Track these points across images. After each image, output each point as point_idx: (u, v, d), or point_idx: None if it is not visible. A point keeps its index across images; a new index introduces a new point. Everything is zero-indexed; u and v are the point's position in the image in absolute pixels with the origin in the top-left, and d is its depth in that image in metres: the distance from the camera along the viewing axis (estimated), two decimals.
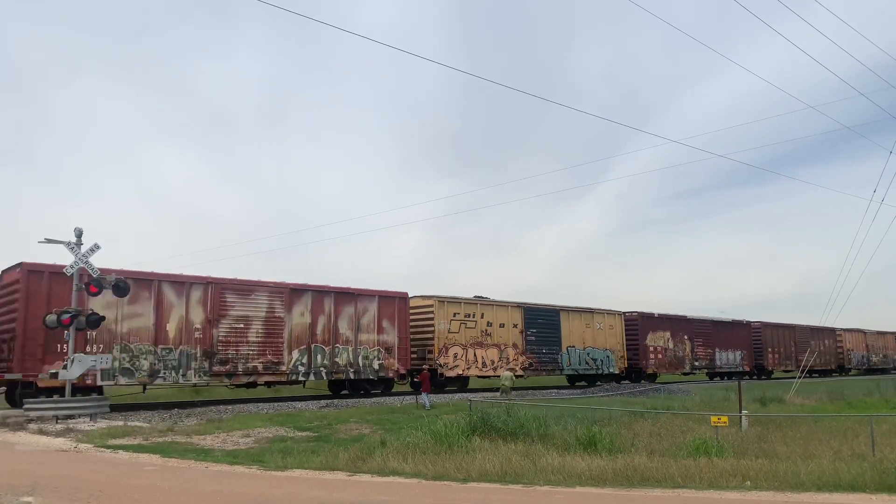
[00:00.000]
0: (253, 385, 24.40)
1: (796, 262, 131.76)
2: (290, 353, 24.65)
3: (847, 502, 8.82)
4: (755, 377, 47.17)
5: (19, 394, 19.98)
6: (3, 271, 21.64)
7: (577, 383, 37.30)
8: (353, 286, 27.04)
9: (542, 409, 17.09)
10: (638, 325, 39.59)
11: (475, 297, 32.11)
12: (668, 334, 41.38)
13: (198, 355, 22.48)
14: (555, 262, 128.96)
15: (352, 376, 26.65)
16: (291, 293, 24.98)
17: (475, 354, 30.90)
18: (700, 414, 17.66)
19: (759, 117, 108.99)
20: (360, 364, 26.56)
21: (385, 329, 27.42)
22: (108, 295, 19.86)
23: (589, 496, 9.35)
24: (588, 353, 36.28)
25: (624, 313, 39.52)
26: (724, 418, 14.22)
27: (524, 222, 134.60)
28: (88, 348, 20.10)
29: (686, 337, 42.70)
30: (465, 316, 30.91)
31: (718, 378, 44.92)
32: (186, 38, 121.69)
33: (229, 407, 21.92)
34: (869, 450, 12.46)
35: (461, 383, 31.25)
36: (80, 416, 17.81)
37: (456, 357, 30.07)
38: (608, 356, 37.38)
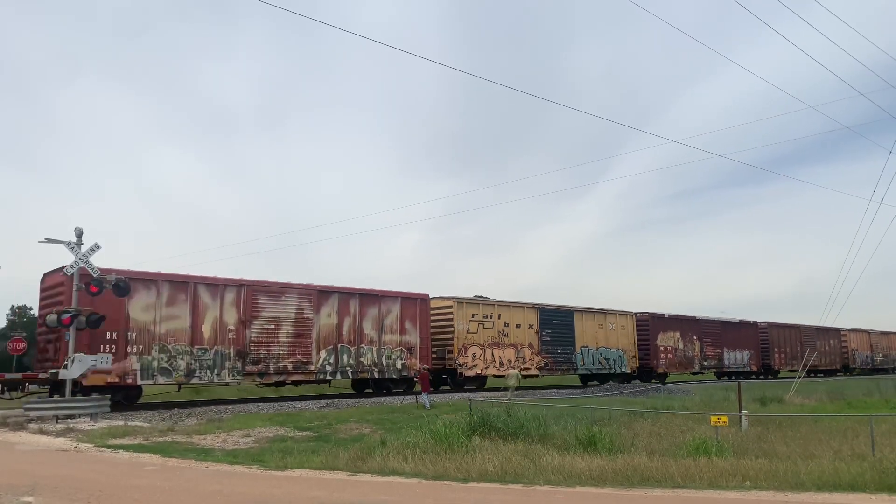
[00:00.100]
0: (282, 384, 25.03)
1: (796, 262, 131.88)
2: (318, 352, 25.35)
3: (847, 502, 8.82)
4: (762, 377, 47.51)
5: (63, 392, 19.98)
6: (44, 274, 22.29)
7: (588, 383, 37.67)
8: (376, 288, 27.92)
9: (542, 409, 17.09)
10: (649, 326, 40.14)
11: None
12: (677, 334, 41.97)
13: (231, 355, 23.20)
14: (555, 262, 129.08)
15: (376, 375, 27.33)
16: (319, 295, 25.68)
17: (493, 354, 31.59)
18: (700, 414, 17.66)
19: (759, 117, 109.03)
20: (384, 364, 27.30)
21: (407, 330, 28.17)
22: (147, 298, 21.27)
23: (589, 496, 9.35)
24: (601, 353, 36.97)
25: (635, 314, 40.03)
26: (724, 418, 14.21)
27: (524, 222, 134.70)
28: (129, 348, 21.01)
29: (695, 337, 43.25)
30: (483, 317, 31.63)
31: (726, 378, 45.36)
32: (186, 38, 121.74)
33: (229, 407, 21.93)
34: (869, 450, 12.46)
35: (479, 382, 31.76)
36: (80, 415, 17.83)
37: (475, 357, 30.81)
38: (620, 356, 38.04)
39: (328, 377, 25.73)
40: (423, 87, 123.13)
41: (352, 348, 26.32)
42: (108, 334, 20.61)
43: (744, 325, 47.58)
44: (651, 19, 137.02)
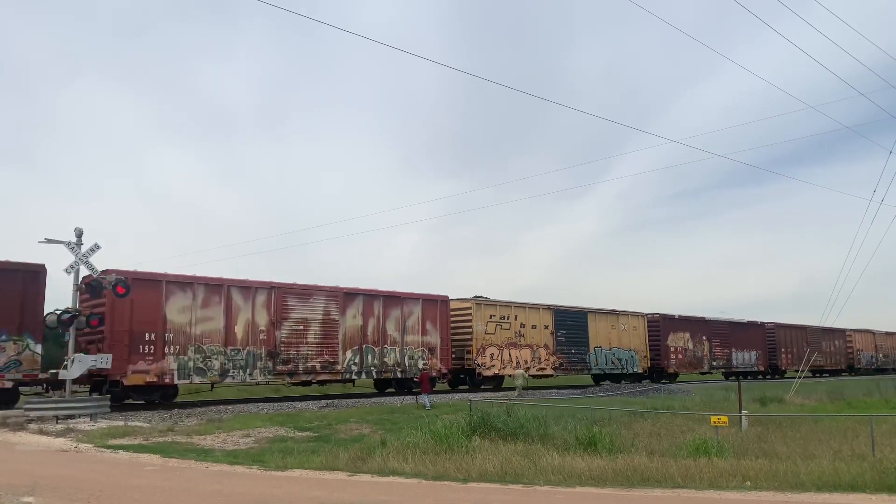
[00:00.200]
0: (308, 383, 25.62)
1: (796, 262, 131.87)
2: (344, 353, 26.03)
3: (847, 502, 8.82)
4: (769, 377, 47.97)
5: (106, 390, 21.01)
6: (84, 277, 22.32)
7: (600, 382, 38.15)
8: (398, 290, 28.59)
9: (542, 409, 17.09)
10: (659, 326, 40.78)
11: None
12: (687, 335, 42.60)
13: (262, 355, 23.85)
14: (554, 262, 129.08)
15: (399, 375, 27.96)
16: (345, 297, 26.35)
17: (510, 354, 32.22)
18: (700, 414, 17.66)
19: (758, 117, 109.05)
20: (407, 364, 27.98)
21: (428, 331, 28.89)
22: (183, 300, 22.08)
23: (589, 496, 9.35)
24: (614, 354, 37.59)
25: (647, 315, 40.63)
26: (724, 418, 14.21)
27: (524, 222, 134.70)
28: (166, 349, 21.64)
29: (704, 337, 43.85)
30: (501, 318, 32.22)
31: (734, 377, 45.67)
32: (186, 38, 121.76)
33: (229, 407, 21.93)
34: (869, 450, 12.46)
35: (497, 382, 32.37)
36: (80, 416, 17.81)
37: (492, 357, 31.41)
38: (632, 356, 38.65)
39: (353, 377, 26.43)
40: (423, 87, 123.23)
41: (376, 349, 27.05)
42: (147, 335, 21.31)
43: (751, 325, 48.23)
44: (651, 19, 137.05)
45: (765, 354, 48.43)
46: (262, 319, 23.91)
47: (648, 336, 40.02)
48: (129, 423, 17.21)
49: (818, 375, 51.99)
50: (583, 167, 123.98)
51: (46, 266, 21.07)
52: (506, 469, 10.94)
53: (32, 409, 17.38)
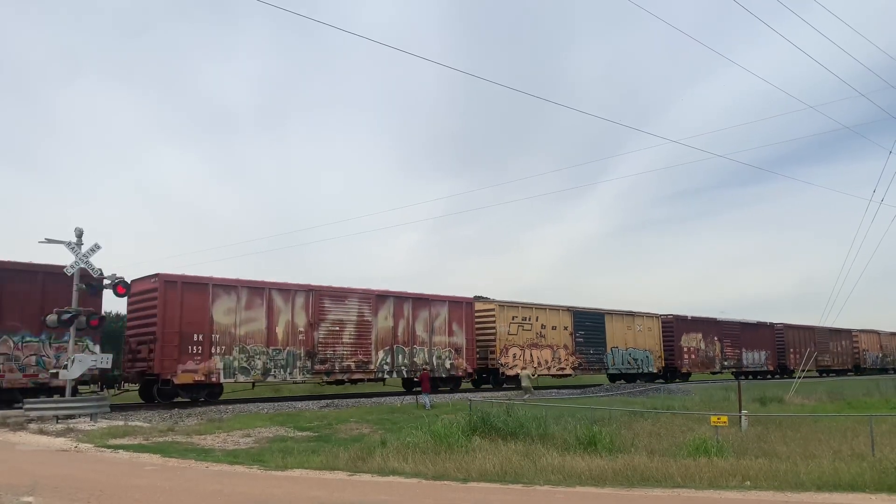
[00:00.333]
0: (342, 382, 26.43)
1: (796, 262, 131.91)
2: (376, 353, 27.06)
3: (847, 502, 8.81)
4: (777, 376, 48.47)
5: (156, 389, 22.28)
6: (131, 281, 23.12)
7: (616, 382, 38.88)
8: (426, 292, 29.64)
9: (542, 409, 17.09)
10: (673, 327, 41.72)
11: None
12: (699, 335, 43.52)
13: (301, 355, 24.83)
14: (555, 261, 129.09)
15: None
16: (377, 299, 27.40)
17: (531, 355, 33.15)
18: (700, 414, 17.66)
19: (759, 117, 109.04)
20: (434, 363, 28.92)
21: (454, 331, 29.89)
22: (228, 302, 23.07)
23: (589, 496, 9.35)
24: (630, 354, 38.50)
25: (661, 316, 41.48)
26: (724, 418, 14.21)
27: (524, 222, 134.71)
28: (213, 349, 22.60)
29: (716, 338, 44.72)
30: (523, 319, 33.16)
31: (743, 377, 46.28)
32: (186, 38, 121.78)
33: (229, 407, 21.93)
34: (869, 450, 12.46)
35: (518, 381, 32.78)
36: (80, 415, 17.82)
37: (515, 357, 32.32)
38: (647, 356, 39.57)
39: (385, 376, 27.37)
40: (423, 87, 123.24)
41: (406, 349, 28.02)
42: (195, 336, 22.27)
43: (761, 326, 49.07)
44: (651, 19, 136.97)
45: (774, 354, 49.23)
46: (301, 321, 24.90)
47: (662, 336, 40.92)
48: (130, 423, 17.22)
49: (825, 375, 52.56)
50: (583, 167, 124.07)
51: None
52: (506, 469, 10.94)
53: (32, 409, 17.38)
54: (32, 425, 16.72)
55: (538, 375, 33.35)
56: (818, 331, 52.50)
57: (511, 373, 31.63)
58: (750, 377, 46.17)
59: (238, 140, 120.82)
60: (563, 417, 16.39)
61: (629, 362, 38.37)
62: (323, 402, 23.85)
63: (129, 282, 20.15)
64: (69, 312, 18.56)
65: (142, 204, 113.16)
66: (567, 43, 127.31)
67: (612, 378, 39.07)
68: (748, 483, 9.97)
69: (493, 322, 31.93)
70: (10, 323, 19.65)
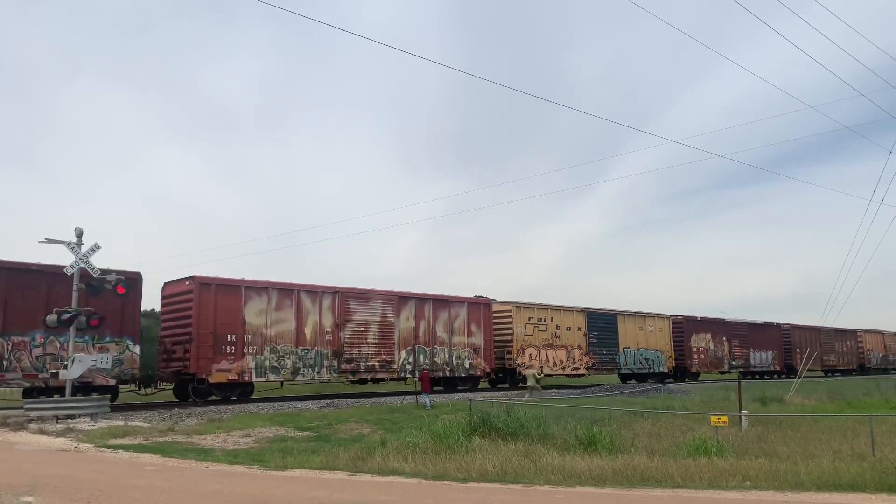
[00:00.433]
0: (365, 381, 27.22)
1: (796, 262, 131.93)
2: (399, 352, 27.90)
3: (847, 502, 8.81)
4: (784, 376, 48.86)
5: (192, 388, 22.87)
6: (165, 283, 24.58)
7: (627, 381, 39.46)
8: (446, 294, 30.48)
9: (542, 409, 17.08)
10: (683, 328, 42.41)
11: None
12: (708, 336, 44.25)
13: (328, 355, 25.65)
14: (555, 261, 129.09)
15: (447, 374, 29.78)
16: (399, 300, 28.21)
17: (547, 355, 34.08)
18: (700, 414, 17.65)
19: (759, 117, 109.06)
20: (454, 363, 29.82)
21: (473, 332, 30.74)
22: (259, 304, 23.79)
23: (589, 496, 9.34)
24: (641, 354, 39.38)
25: (671, 317, 42.18)
26: (724, 418, 14.21)
27: (524, 222, 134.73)
28: (245, 349, 23.34)
29: (724, 338, 45.44)
30: (538, 320, 34.06)
31: (751, 377, 46.96)
32: (186, 38, 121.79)
33: (229, 407, 21.91)
34: (869, 449, 12.45)
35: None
36: (80, 415, 17.81)
37: (531, 357, 33.17)
38: (658, 356, 40.31)
39: (407, 375, 28.11)
40: (423, 87, 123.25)
41: (427, 349, 28.82)
42: (229, 336, 23.03)
43: (768, 326, 49.72)
44: (651, 19, 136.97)
45: (780, 354, 49.82)
46: (328, 321, 25.69)
47: (673, 337, 41.53)
48: (129, 423, 17.21)
49: (830, 375, 53.01)
50: (583, 167, 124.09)
51: (142, 273, 22.31)
52: (506, 469, 10.93)
53: (32, 409, 17.38)
54: (32, 425, 16.72)
55: (554, 375, 34.26)
56: (824, 331, 53.11)
57: (528, 372, 31.88)
58: (757, 377, 46.86)
59: (238, 140, 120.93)
60: (563, 417, 16.38)
61: (641, 362, 39.08)
62: (323, 402, 23.84)
63: (124, 280, 20.11)
64: (69, 312, 18.55)
65: (142, 204, 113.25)
66: (567, 43, 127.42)
67: (624, 378, 39.64)
68: (748, 483, 9.96)
69: (510, 323, 32.68)
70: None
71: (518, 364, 32.19)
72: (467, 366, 30.14)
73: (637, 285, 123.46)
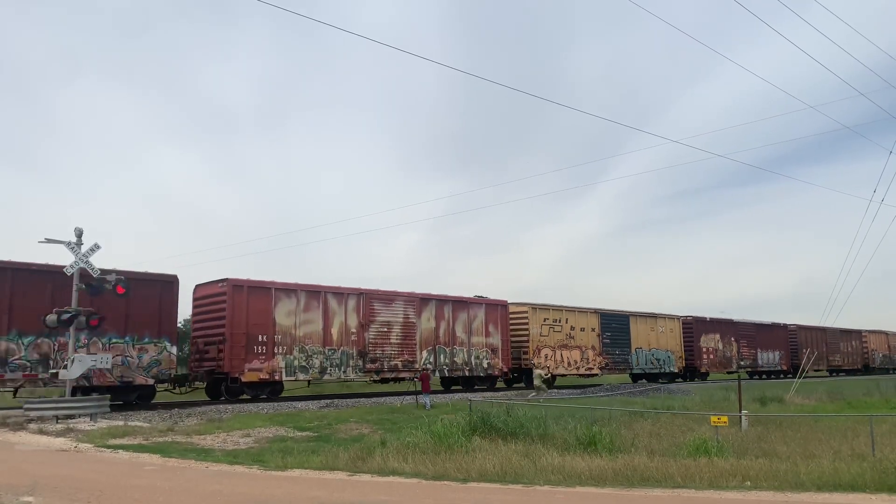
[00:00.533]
0: (388, 380, 27.90)
1: (796, 262, 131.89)
2: (420, 352, 28.52)
3: (847, 502, 8.81)
4: (790, 376, 48.65)
5: (225, 387, 23.63)
6: (196, 285, 25.25)
7: (638, 381, 40.00)
8: (465, 295, 31.10)
9: (542, 409, 17.08)
10: (693, 328, 42.98)
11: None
12: (717, 336, 44.90)
13: (354, 355, 26.37)
14: (555, 261, 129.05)
15: (467, 374, 30.53)
16: (421, 302, 28.89)
17: (562, 355, 34.85)
18: (700, 414, 17.65)
19: (759, 117, 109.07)
20: (473, 363, 30.55)
21: (491, 333, 31.39)
22: (289, 305, 24.49)
23: (589, 496, 9.34)
24: (653, 354, 40.10)
25: (681, 317, 42.78)
26: (724, 418, 14.21)
27: (524, 222, 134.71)
28: (275, 349, 24.04)
29: (732, 339, 46.05)
30: (553, 321, 34.78)
31: (758, 377, 47.62)
32: (186, 38, 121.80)
33: (229, 407, 21.90)
34: (869, 450, 12.45)
35: (550, 381, 34.32)
36: (80, 415, 17.79)
37: (546, 357, 33.91)
38: (669, 356, 40.96)
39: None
40: (423, 87, 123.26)
41: (447, 349, 29.50)
42: (260, 337, 23.77)
43: (775, 327, 50.33)
44: (651, 19, 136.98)
45: (787, 354, 50.38)
46: (353, 322, 26.41)
47: (683, 337, 42.02)
48: (129, 423, 17.20)
49: (835, 374, 53.38)
50: (583, 167, 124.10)
51: (178, 276, 22.78)
52: (506, 469, 10.93)
53: (32, 409, 17.36)
54: (32, 425, 16.71)
55: (568, 374, 34.84)
56: (829, 332, 53.68)
57: (535, 373, 32.70)
58: (764, 377, 47.43)
59: (238, 140, 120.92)
60: (563, 417, 16.37)
61: (652, 362, 39.75)
62: (323, 402, 23.83)
63: (124, 280, 20.09)
64: (69, 312, 18.53)
65: (142, 204, 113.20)
66: (567, 43, 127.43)
67: (635, 378, 40.21)
68: (748, 483, 9.96)
69: (526, 324, 33.23)
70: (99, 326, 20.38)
71: (534, 364, 32.83)
72: (485, 365, 30.74)
73: (637, 285, 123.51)
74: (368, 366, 26.60)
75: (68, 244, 18.95)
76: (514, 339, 32.83)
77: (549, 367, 33.28)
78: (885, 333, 63.16)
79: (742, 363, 46.32)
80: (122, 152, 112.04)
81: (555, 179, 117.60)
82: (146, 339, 21.49)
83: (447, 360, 29.29)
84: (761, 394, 26.09)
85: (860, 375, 53.05)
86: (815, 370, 51.44)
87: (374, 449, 12.66)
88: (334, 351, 25.71)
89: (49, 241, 18.88)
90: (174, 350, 22.33)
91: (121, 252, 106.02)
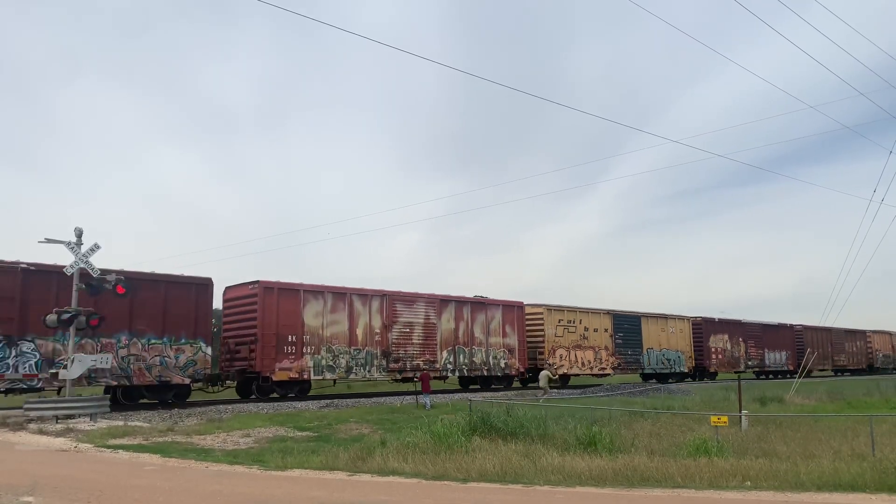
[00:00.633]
0: (409, 380, 28.26)
1: (796, 262, 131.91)
2: (441, 352, 29.21)
3: (847, 502, 8.80)
4: (797, 376, 48.90)
5: (256, 386, 24.48)
6: (226, 287, 25.90)
7: (648, 381, 40.61)
8: (482, 296, 31.51)
9: (542, 409, 17.07)
10: (702, 329, 43.57)
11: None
12: (726, 336, 45.50)
13: (378, 355, 27.05)
14: (555, 261, 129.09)
15: (484, 373, 31.16)
16: (441, 303, 29.51)
17: (576, 355, 35.61)
18: (700, 414, 17.64)
19: (759, 117, 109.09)
20: (491, 363, 31.16)
21: (507, 333, 32.00)
22: (316, 306, 25.21)
23: (589, 496, 9.34)
24: (664, 354, 40.77)
25: (691, 318, 43.34)
26: (724, 418, 14.20)
27: (524, 222, 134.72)
28: (304, 349, 24.73)
29: (740, 339, 46.62)
30: (568, 322, 35.52)
31: (765, 376, 48.00)
32: (186, 38, 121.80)
33: (229, 407, 21.91)
34: (869, 450, 12.45)
35: (564, 380, 35.76)
36: (80, 415, 17.79)
37: (561, 358, 34.73)
38: (679, 357, 41.57)
39: (448, 374, 29.61)
40: (423, 87, 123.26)
41: (466, 349, 30.19)
42: (290, 337, 24.48)
43: (782, 327, 50.83)
44: (651, 19, 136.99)
45: (793, 355, 50.69)
46: (377, 323, 27.07)
47: (693, 338, 42.54)
48: (129, 423, 17.19)
49: (840, 374, 53.70)
50: (583, 167, 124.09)
51: (213, 279, 23.34)
52: (506, 469, 10.93)
53: (32, 409, 17.36)
54: (32, 425, 16.71)
55: (582, 374, 35.43)
56: (835, 332, 54.08)
57: (541, 374, 32.50)
58: (771, 376, 47.83)
59: (238, 140, 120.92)
60: (563, 417, 16.37)
61: (663, 363, 40.45)
62: (322, 402, 23.83)
63: (124, 280, 20.09)
64: (69, 312, 18.53)
65: (142, 204, 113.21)
66: (567, 43, 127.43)
67: (646, 377, 40.79)
68: (748, 483, 9.96)
69: (542, 324, 33.94)
70: (138, 327, 21.28)
71: (549, 364, 33.15)
72: (503, 365, 31.31)
73: (637, 285, 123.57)
74: (392, 365, 27.24)
75: (68, 244, 18.94)
76: (529, 339, 33.37)
77: (556, 369, 33.52)
78: (889, 333, 63.68)
79: (750, 363, 46.80)
80: (122, 152, 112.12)
81: (555, 179, 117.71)
82: (182, 340, 22.10)
83: (466, 360, 29.94)
84: (761, 394, 26.09)
85: (865, 375, 53.28)
86: (821, 370, 51.81)
87: (374, 449, 12.66)
88: (359, 351, 26.36)
89: (49, 241, 18.86)
90: (209, 350, 22.92)
91: (121, 252, 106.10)
